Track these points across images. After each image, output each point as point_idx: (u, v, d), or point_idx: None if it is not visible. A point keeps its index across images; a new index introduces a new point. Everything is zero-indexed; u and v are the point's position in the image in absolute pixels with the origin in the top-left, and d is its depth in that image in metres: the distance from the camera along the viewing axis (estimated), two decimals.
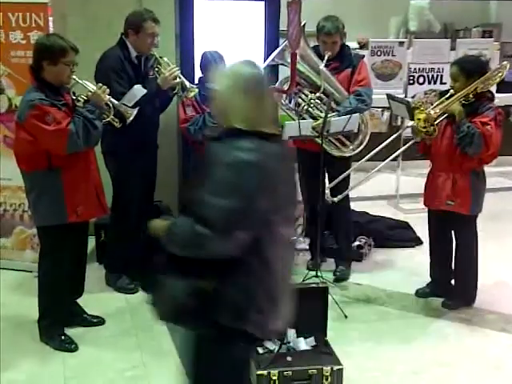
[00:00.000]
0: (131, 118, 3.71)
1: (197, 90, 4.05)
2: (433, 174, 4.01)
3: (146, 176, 4.21)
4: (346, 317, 3.91)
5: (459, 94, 3.76)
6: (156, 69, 4.01)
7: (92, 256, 4.45)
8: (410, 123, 4.16)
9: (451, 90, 3.84)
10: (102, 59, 3.95)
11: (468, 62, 3.90)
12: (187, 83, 4.04)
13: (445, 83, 6.14)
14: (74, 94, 3.46)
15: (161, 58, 4.02)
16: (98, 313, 3.87)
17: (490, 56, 6.34)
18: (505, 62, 4.08)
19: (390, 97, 4.59)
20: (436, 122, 3.77)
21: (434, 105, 3.85)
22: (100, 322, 3.82)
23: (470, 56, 4.02)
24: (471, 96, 3.77)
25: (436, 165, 4.00)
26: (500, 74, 3.98)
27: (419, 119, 3.79)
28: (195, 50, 4.48)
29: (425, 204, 4.10)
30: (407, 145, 4.27)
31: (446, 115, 3.81)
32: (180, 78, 3.99)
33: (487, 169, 4.00)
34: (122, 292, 4.23)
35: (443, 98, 3.84)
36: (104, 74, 3.85)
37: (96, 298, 4.06)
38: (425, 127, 3.77)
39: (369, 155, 4.34)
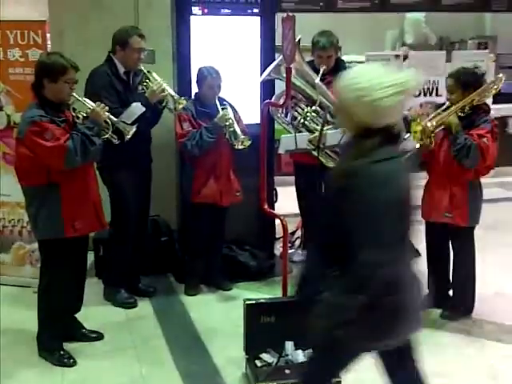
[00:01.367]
0: (130, 135, 3.75)
1: (185, 102, 4.10)
2: (430, 187, 4.03)
3: (140, 190, 4.23)
4: None
5: (456, 106, 3.79)
6: (144, 83, 4.07)
7: (91, 271, 4.46)
8: (406, 135, 4.19)
9: (447, 103, 3.87)
10: (90, 77, 3.99)
11: (464, 74, 3.93)
12: (175, 95, 4.09)
13: (440, 95, 6.19)
14: (74, 110, 3.51)
15: (149, 72, 4.07)
16: (96, 327, 3.87)
17: (485, 68, 6.38)
18: (500, 75, 4.12)
19: None
20: (433, 134, 3.80)
21: (431, 117, 3.87)
22: (99, 336, 3.82)
23: (465, 68, 4.05)
24: (467, 108, 3.80)
25: (433, 177, 4.02)
26: (496, 87, 4.01)
27: (416, 132, 3.82)
28: (192, 66, 4.52)
29: (422, 217, 4.12)
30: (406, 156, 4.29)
31: (442, 127, 3.84)
32: (167, 90, 4.04)
33: (485, 180, 4.02)
34: (121, 307, 4.24)
35: (439, 110, 3.87)
36: (93, 91, 3.88)
37: (95, 312, 4.07)
38: (421, 139, 3.80)
39: None
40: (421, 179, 4.16)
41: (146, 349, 3.72)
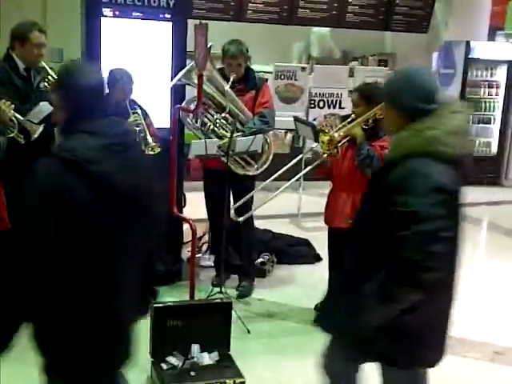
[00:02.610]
0: (36, 135, 3.66)
1: None
2: (333, 194, 4.19)
3: None
4: (248, 332, 4.01)
5: (360, 119, 3.97)
6: (46, 80, 3.97)
7: None
8: (314, 145, 4.36)
9: (352, 115, 4.05)
10: None
11: (368, 89, 4.12)
12: None
13: (343, 108, 6.47)
14: None
15: (51, 68, 3.98)
16: None
17: None
18: None
19: (296, 119, 4.78)
20: (339, 145, 3.97)
21: (337, 128, 4.03)
22: None
23: (370, 84, 4.27)
24: (371, 121, 4.00)
25: (337, 185, 4.18)
26: None
27: (323, 141, 3.98)
28: (102, 67, 4.46)
29: (325, 223, 4.28)
30: (310, 167, 4.43)
31: (347, 138, 4.02)
32: None
33: None
34: None
35: (345, 122, 4.04)
36: None
37: None
38: (328, 149, 3.96)
39: (274, 175, 4.47)
40: (325, 187, 4.36)
41: None
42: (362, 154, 3.90)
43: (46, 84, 3.98)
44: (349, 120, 4.04)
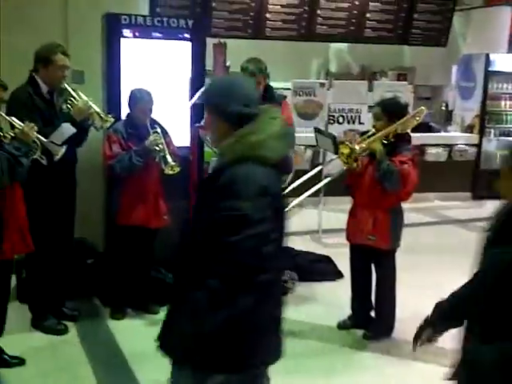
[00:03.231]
0: (59, 156, 3.68)
1: (112, 120, 4.08)
2: (354, 211, 4.18)
3: (63, 213, 4.14)
4: None
5: (381, 133, 3.97)
6: (69, 102, 4.00)
7: (12, 294, 4.32)
8: (333, 157, 4.33)
9: (373, 129, 4.05)
10: (11, 97, 3.83)
11: (390, 104, 4.13)
12: (102, 113, 4.06)
13: (363, 123, 6.44)
14: (1, 130, 3.42)
15: (74, 90, 4.01)
16: (18, 353, 3.75)
17: (405, 98, 6.71)
18: (422, 108, 4.35)
19: (317, 130, 4.77)
20: (362, 156, 3.95)
21: (357, 141, 4.02)
22: (20, 362, 3.70)
23: (392, 98, 4.27)
24: (391, 136, 3.99)
25: (357, 201, 4.17)
26: (418, 118, 4.24)
27: (343, 153, 3.97)
28: (122, 88, 4.52)
29: (347, 239, 4.25)
30: (327, 179, 4.41)
31: (367, 152, 4.01)
32: (93, 108, 4.01)
33: (404, 205, 4.21)
34: (50, 333, 4.10)
35: (365, 136, 4.04)
36: (14, 110, 3.74)
37: (16, 337, 3.94)
38: (347, 162, 3.95)
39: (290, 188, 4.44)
40: (346, 203, 4.33)
41: (69, 374, 3.64)
42: (381, 168, 3.88)
43: (68, 106, 4.01)
44: (369, 134, 4.03)
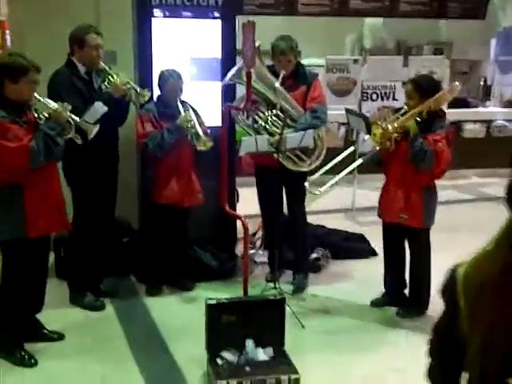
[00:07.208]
0: (92, 135, 3.75)
1: (149, 94, 4.13)
2: (386, 188, 4.14)
3: (106, 191, 4.23)
4: (303, 326, 4.00)
5: (414, 111, 3.89)
6: (107, 81, 4.07)
7: (51, 271, 4.44)
8: (366, 137, 4.30)
9: (405, 107, 3.98)
10: (51, 79, 3.96)
11: (423, 81, 4.04)
12: (138, 88, 4.12)
13: (397, 100, 6.34)
14: (36, 110, 3.50)
15: (109, 68, 4.08)
16: (57, 328, 3.87)
17: (441, 73, 6.58)
18: (456, 83, 4.24)
19: (348, 111, 4.72)
20: (395, 136, 3.89)
21: (390, 120, 3.95)
22: (60, 337, 3.82)
23: (424, 75, 4.18)
24: (425, 114, 3.91)
25: (389, 179, 4.12)
26: (452, 94, 4.16)
27: (375, 134, 3.92)
28: (153, 68, 4.55)
29: (379, 217, 4.23)
30: (360, 160, 4.36)
31: (400, 131, 3.95)
32: (130, 83, 4.07)
33: (440, 182, 4.15)
34: (88, 309, 4.22)
35: (398, 114, 3.97)
36: (54, 92, 3.85)
37: (55, 313, 4.05)
38: (381, 142, 3.90)
39: (324, 169, 4.42)
40: (380, 180, 4.30)
41: (107, 349, 3.74)
42: (415, 146, 3.82)
43: (106, 85, 4.07)
44: (401, 112, 3.97)
